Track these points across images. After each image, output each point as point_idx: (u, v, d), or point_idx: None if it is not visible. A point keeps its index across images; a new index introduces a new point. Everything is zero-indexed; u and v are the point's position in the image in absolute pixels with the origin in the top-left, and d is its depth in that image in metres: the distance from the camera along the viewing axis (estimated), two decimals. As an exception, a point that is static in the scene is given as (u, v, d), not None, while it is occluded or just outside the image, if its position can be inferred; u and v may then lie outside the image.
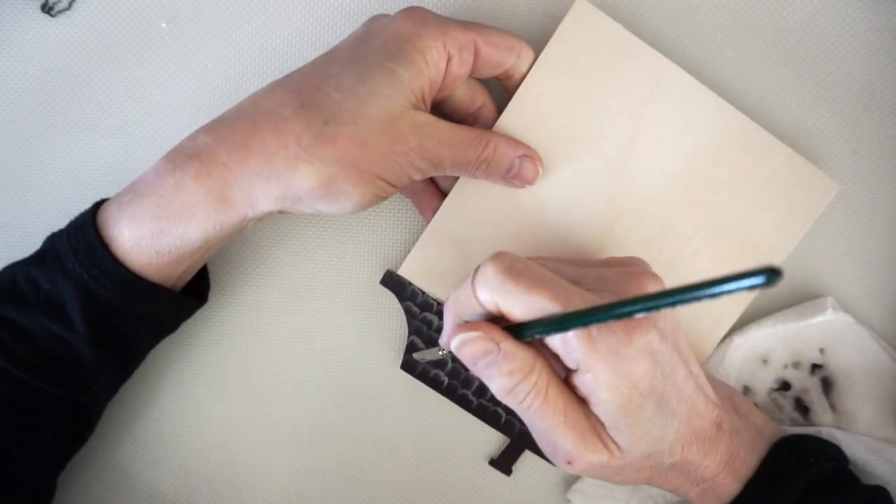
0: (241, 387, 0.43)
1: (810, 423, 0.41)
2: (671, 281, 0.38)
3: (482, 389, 0.41)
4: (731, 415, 0.35)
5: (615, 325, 0.30)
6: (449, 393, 0.41)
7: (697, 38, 0.41)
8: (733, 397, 0.37)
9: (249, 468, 0.43)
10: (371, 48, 0.34)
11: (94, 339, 0.35)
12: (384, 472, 0.43)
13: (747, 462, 0.35)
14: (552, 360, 0.33)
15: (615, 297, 0.31)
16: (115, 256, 0.34)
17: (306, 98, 0.34)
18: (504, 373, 0.32)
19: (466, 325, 0.32)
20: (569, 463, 0.33)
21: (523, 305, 0.31)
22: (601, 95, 0.38)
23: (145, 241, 0.34)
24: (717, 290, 0.25)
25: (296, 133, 0.33)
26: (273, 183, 0.33)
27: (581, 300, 0.30)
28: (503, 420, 0.42)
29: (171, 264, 0.35)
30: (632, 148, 0.39)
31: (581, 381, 0.32)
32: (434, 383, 0.41)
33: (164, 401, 0.43)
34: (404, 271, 0.41)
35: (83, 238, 0.34)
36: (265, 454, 0.43)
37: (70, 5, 0.42)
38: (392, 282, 0.41)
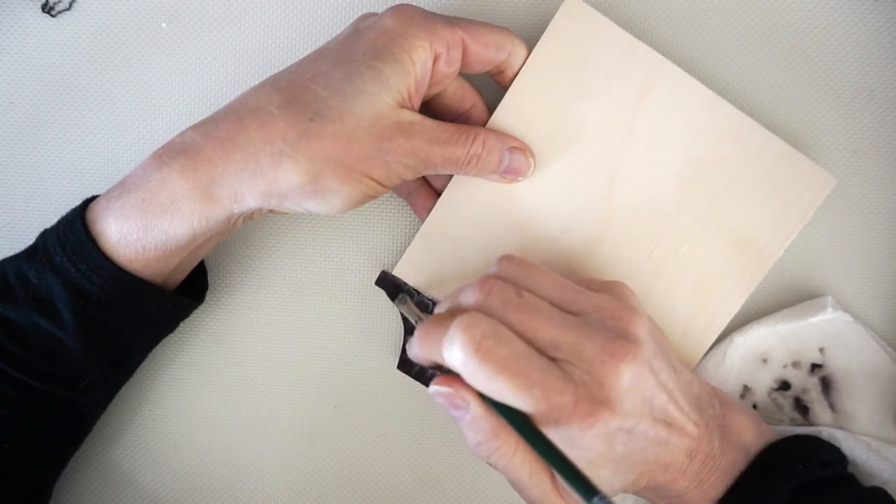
0: (241, 386, 0.43)
1: (810, 423, 0.41)
2: (667, 279, 0.39)
3: None
4: (709, 442, 0.34)
5: (573, 417, 0.30)
6: None
7: (696, 38, 0.41)
8: (725, 415, 0.36)
9: (249, 468, 0.43)
10: (358, 46, 0.34)
11: (84, 334, 0.35)
12: (384, 472, 0.43)
13: (718, 483, 0.34)
14: None
15: (584, 377, 0.31)
16: (102, 251, 0.34)
17: (292, 96, 0.34)
18: (471, 430, 0.32)
19: (442, 378, 0.33)
20: None
21: (483, 386, 0.31)
22: (594, 92, 0.38)
23: (132, 235, 0.34)
24: None
25: (281, 130, 0.33)
26: (258, 179, 0.33)
27: (542, 394, 0.30)
28: None
29: (158, 260, 0.35)
30: (626, 144, 0.39)
31: None
32: (430, 383, 0.41)
33: (164, 401, 0.43)
34: (399, 272, 0.40)
35: (72, 233, 0.34)
36: (264, 454, 0.43)
37: (70, 5, 0.42)
38: (387, 282, 0.41)
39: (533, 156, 0.39)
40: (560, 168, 0.39)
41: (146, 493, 0.43)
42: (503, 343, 0.31)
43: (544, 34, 0.38)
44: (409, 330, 0.41)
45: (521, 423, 0.31)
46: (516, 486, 0.33)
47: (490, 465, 0.33)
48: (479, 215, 0.40)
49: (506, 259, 0.36)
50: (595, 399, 0.31)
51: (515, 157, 0.38)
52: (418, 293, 0.40)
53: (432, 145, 0.35)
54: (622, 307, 0.33)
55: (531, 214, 0.39)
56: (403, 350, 0.41)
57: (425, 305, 0.40)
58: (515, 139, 0.38)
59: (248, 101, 0.34)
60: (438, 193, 0.40)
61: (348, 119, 0.33)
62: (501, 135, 0.38)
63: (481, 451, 0.33)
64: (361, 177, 0.34)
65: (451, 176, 0.40)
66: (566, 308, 0.33)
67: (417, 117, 0.35)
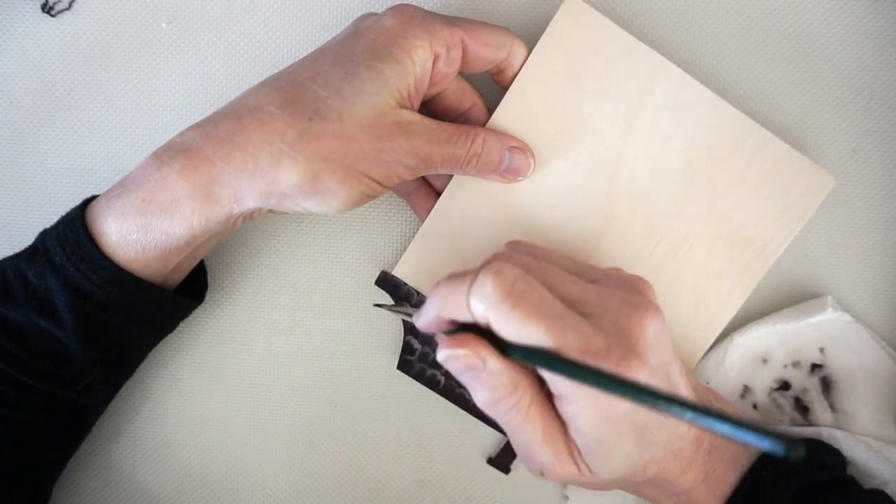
0: (241, 386, 0.43)
1: (810, 423, 0.40)
2: (667, 279, 0.39)
3: None
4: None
5: (606, 361, 0.30)
6: (446, 393, 0.41)
7: (696, 38, 0.41)
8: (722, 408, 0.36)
9: (249, 468, 0.43)
10: (358, 47, 0.35)
11: (84, 334, 0.35)
12: (384, 472, 0.43)
13: (725, 478, 0.34)
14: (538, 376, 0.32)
15: (612, 328, 0.31)
16: (102, 251, 0.34)
17: (292, 95, 0.34)
18: (487, 388, 0.32)
19: (454, 339, 0.32)
20: (541, 473, 0.33)
21: (515, 330, 0.30)
22: (594, 92, 0.38)
23: (132, 235, 0.34)
24: (716, 426, 0.26)
25: (280, 130, 0.33)
26: (258, 179, 0.33)
27: (575, 338, 0.30)
28: None
29: (158, 260, 0.35)
30: (626, 144, 0.39)
31: (562, 409, 0.32)
32: (430, 383, 0.41)
33: (164, 401, 0.43)
34: (399, 272, 0.40)
35: (71, 233, 0.34)
36: (264, 454, 0.43)
37: (70, 5, 0.42)
38: (387, 283, 0.41)
39: (533, 155, 0.39)
40: (560, 168, 0.39)
41: (146, 493, 0.43)
42: (534, 288, 0.31)
43: (544, 34, 0.38)
44: (409, 330, 0.41)
45: (558, 360, 0.30)
46: (527, 447, 0.33)
47: (503, 423, 0.33)
48: (479, 215, 0.40)
49: (513, 241, 0.36)
50: (625, 347, 0.30)
51: (515, 157, 0.38)
52: (418, 293, 0.40)
53: (432, 145, 0.35)
54: (630, 275, 0.34)
55: (531, 214, 0.39)
56: (403, 350, 0.41)
57: None
58: (515, 139, 0.38)
59: (248, 101, 0.34)
60: (438, 193, 0.40)
61: (348, 119, 0.33)
62: (501, 134, 0.38)
63: (498, 408, 0.32)
64: (361, 177, 0.34)
65: (451, 176, 0.40)
66: (580, 277, 0.34)
67: (417, 117, 0.35)
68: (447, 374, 0.41)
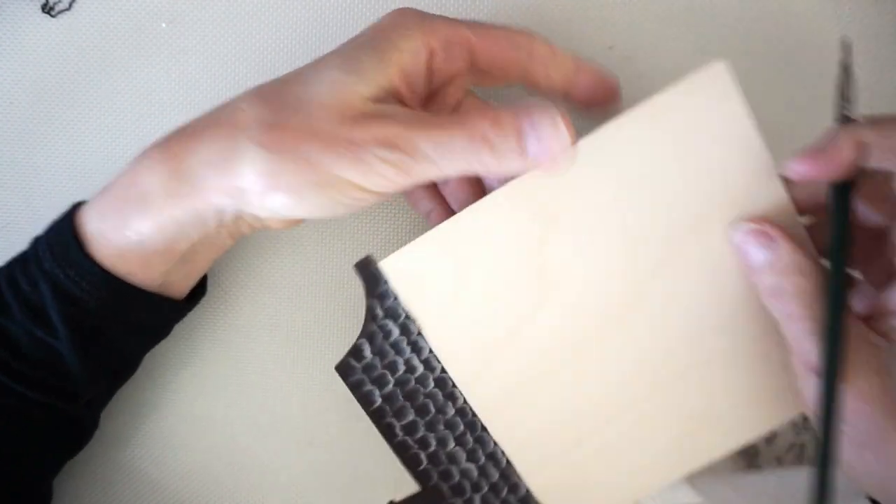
0: (241, 386, 0.43)
1: (811, 426, 0.40)
2: (715, 368, 0.36)
3: (411, 427, 0.38)
4: None
5: None
6: (375, 416, 0.37)
7: (696, 38, 0.41)
8: None
9: (248, 468, 0.43)
10: (347, 45, 0.34)
11: (78, 344, 0.34)
12: (383, 472, 0.43)
13: None
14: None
15: None
16: (89, 255, 0.33)
17: (266, 92, 0.33)
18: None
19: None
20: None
21: None
22: (682, 176, 0.33)
23: (109, 233, 0.33)
24: None
25: (245, 123, 0.32)
26: (221, 173, 0.32)
27: None
28: (421, 467, 0.38)
29: (140, 266, 0.34)
30: (689, 244, 0.34)
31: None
32: (364, 399, 0.37)
33: (163, 401, 0.43)
34: (387, 265, 0.35)
35: (60, 237, 0.34)
36: (264, 454, 0.43)
37: (70, 5, 0.42)
38: (367, 271, 0.35)
39: (570, 130, 0.31)
40: (610, 238, 0.35)
41: (146, 492, 0.43)
42: None
43: (669, 89, 0.33)
44: (365, 333, 0.37)
45: None
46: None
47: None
48: (495, 246, 0.35)
49: None
50: None
51: (543, 128, 0.30)
52: (395, 297, 0.36)
53: (413, 130, 0.30)
54: None
55: (555, 272, 0.35)
56: (350, 353, 0.37)
57: (397, 314, 0.36)
58: (542, 107, 0.30)
59: (228, 102, 0.34)
60: (445, 200, 0.38)
61: (316, 110, 0.31)
62: (518, 107, 0.31)
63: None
64: (330, 177, 0.31)
65: (475, 198, 0.35)
66: None
67: (401, 109, 0.32)
68: (385, 398, 0.37)
